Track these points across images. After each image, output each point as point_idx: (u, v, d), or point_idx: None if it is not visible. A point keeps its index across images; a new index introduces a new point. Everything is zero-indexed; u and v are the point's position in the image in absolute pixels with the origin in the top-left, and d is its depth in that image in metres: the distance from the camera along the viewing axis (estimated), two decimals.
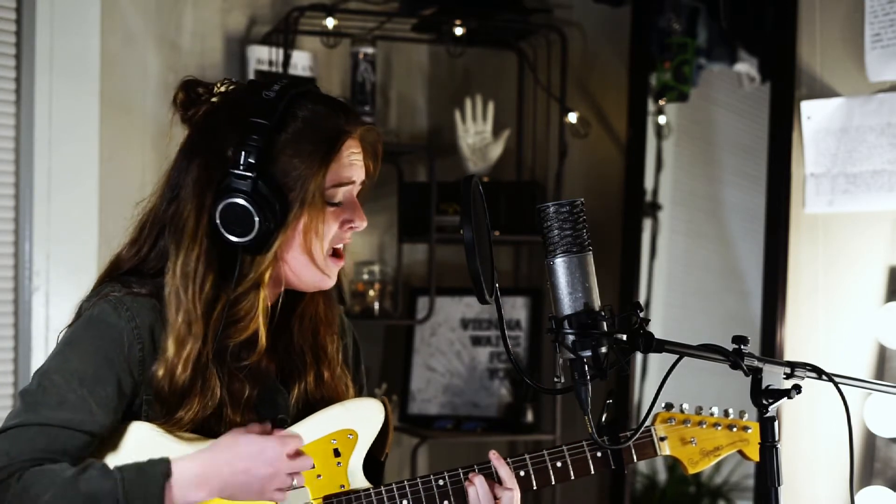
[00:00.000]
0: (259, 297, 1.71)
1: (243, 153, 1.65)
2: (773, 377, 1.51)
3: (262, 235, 1.67)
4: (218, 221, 1.67)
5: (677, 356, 1.49)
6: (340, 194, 1.73)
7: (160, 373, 1.66)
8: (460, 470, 1.80)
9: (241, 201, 1.66)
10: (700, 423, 1.91)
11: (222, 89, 1.76)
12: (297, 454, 1.71)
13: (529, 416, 3.44)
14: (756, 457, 1.92)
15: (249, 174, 1.65)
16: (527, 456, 1.84)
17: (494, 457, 1.81)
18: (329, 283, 1.77)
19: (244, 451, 1.66)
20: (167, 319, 1.68)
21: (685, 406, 1.91)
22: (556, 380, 1.48)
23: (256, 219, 1.66)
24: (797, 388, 1.51)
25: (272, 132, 1.67)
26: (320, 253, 1.72)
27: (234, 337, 1.71)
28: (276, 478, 1.67)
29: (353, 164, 1.74)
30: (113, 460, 1.68)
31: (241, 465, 1.65)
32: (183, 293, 1.66)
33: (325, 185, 1.70)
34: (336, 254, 1.77)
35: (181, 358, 1.66)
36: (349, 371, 1.89)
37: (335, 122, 1.72)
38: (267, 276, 1.71)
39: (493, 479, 1.80)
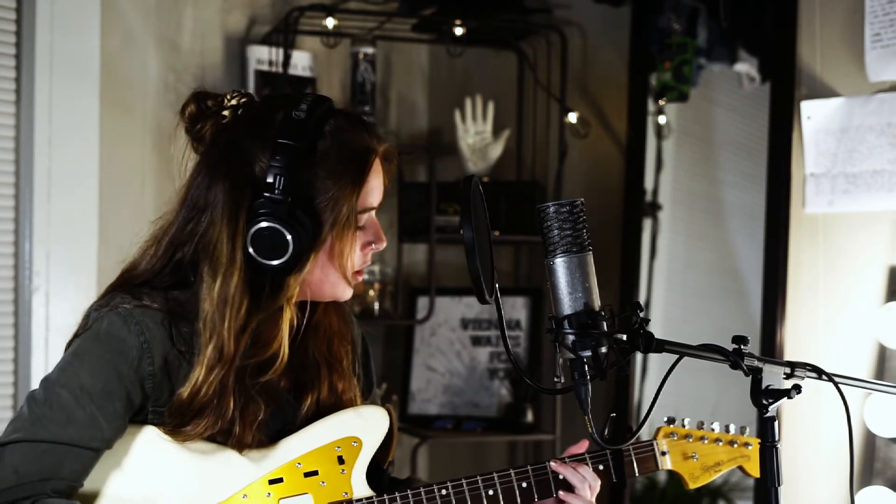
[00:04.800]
0: (285, 316, 1.70)
1: (278, 177, 1.64)
2: (773, 377, 1.51)
3: (294, 258, 1.66)
4: (251, 245, 1.65)
5: (677, 356, 1.49)
6: (364, 219, 1.73)
7: (185, 393, 1.65)
8: (463, 480, 1.80)
9: (275, 225, 1.64)
10: (702, 439, 1.91)
11: (233, 102, 1.73)
12: None
13: (529, 416, 3.44)
14: (756, 473, 1.93)
15: (284, 198, 1.64)
16: (529, 468, 1.84)
17: (557, 465, 1.85)
18: (350, 294, 1.77)
19: None
20: (194, 342, 1.66)
21: (686, 421, 1.91)
22: (556, 380, 1.48)
23: (291, 242, 1.64)
24: (797, 388, 1.51)
25: (304, 153, 1.65)
26: (351, 271, 1.72)
27: (257, 356, 1.70)
28: None
29: (376, 189, 1.73)
30: (118, 463, 1.68)
31: None
32: (219, 320, 1.64)
33: (356, 207, 1.69)
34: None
35: (208, 381, 1.65)
36: (360, 382, 1.88)
37: (362, 139, 1.71)
38: (294, 296, 1.70)
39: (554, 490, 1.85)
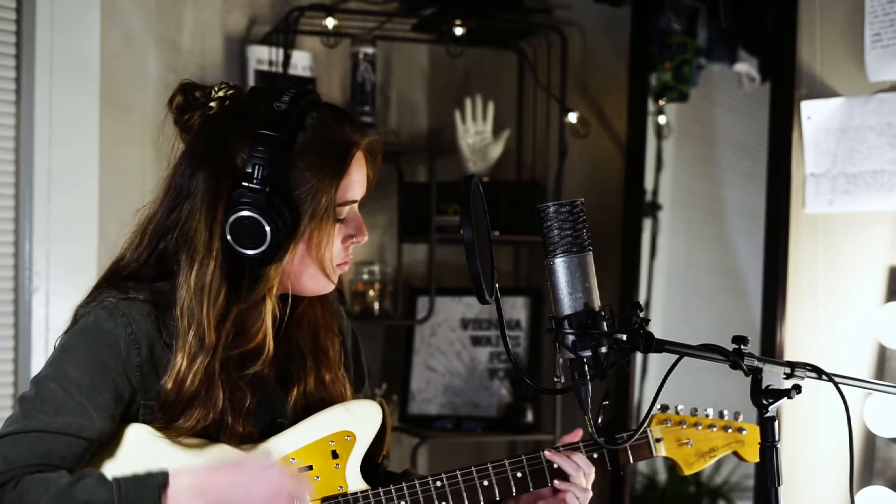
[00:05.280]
0: (267, 308, 1.71)
1: (257, 167, 1.65)
2: (773, 377, 1.51)
3: (272, 248, 1.67)
4: (229, 234, 1.67)
5: (677, 356, 1.49)
6: (345, 211, 1.74)
7: (169, 384, 1.66)
8: (458, 472, 1.80)
9: (253, 214, 1.65)
10: (695, 425, 1.92)
11: (220, 94, 1.74)
12: (300, 480, 1.70)
13: (529, 416, 3.44)
14: (751, 458, 1.93)
15: (263, 188, 1.65)
16: (523, 457, 1.84)
17: (552, 453, 1.84)
18: (331, 288, 1.78)
19: (246, 472, 1.65)
20: (177, 332, 1.67)
21: (680, 407, 1.92)
22: (556, 380, 1.48)
23: (268, 232, 1.65)
24: (797, 388, 1.51)
25: (283, 145, 1.66)
26: (330, 263, 1.72)
27: (241, 347, 1.71)
28: (278, 498, 1.65)
29: (358, 183, 1.74)
30: (111, 462, 1.68)
31: (241, 483, 1.63)
32: (197, 307, 1.66)
33: (335, 199, 1.70)
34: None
35: (192, 371, 1.65)
36: (349, 374, 1.89)
37: (343, 132, 1.72)
38: (275, 286, 1.71)
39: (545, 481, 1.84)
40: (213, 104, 1.74)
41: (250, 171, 1.65)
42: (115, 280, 1.74)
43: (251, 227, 1.65)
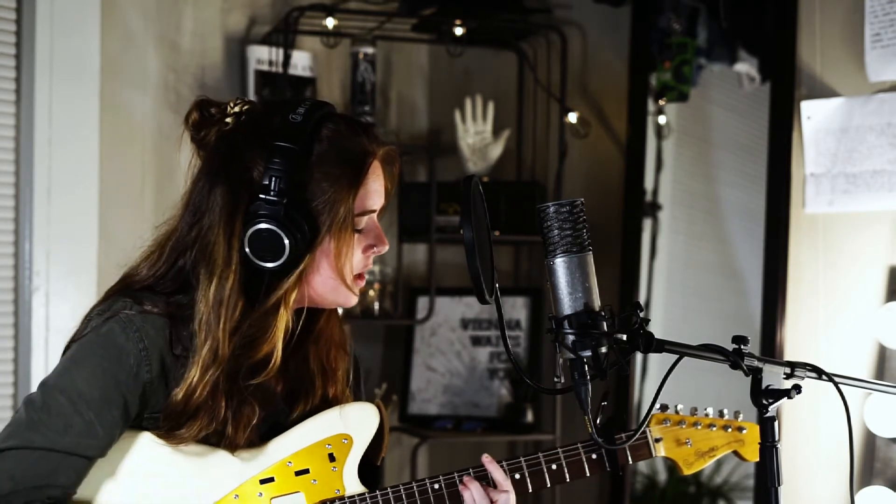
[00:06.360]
0: (280, 318, 1.70)
1: (273, 179, 1.64)
2: (773, 377, 1.51)
3: (291, 260, 1.66)
4: (248, 247, 1.66)
5: (677, 356, 1.49)
6: (364, 221, 1.73)
7: (179, 395, 1.65)
8: (455, 474, 1.80)
9: (272, 227, 1.64)
10: (695, 424, 1.92)
11: (235, 109, 1.74)
12: None
13: (529, 416, 3.44)
14: (751, 457, 1.93)
15: (280, 199, 1.64)
16: (522, 458, 1.84)
17: (487, 461, 1.81)
18: (354, 301, 1.76)
19: None
20: (192, 345, 1.66)
21: (680, 407, 1.92)
22: (556, 380, 1.48)
23: (287, 244, 1.65)
24: (797, 388, 1.51)
25: (300, 156, 1.66)
26: (350, 274, 1.71)
27: (250, 357, 1.70)
28: None
29: (376, 192, 1.73)
30: (111, 466, 1.68)
31: None
32: (214, 321, 1.65)
33: (354, 209, 1.69)
34: (358, 274, 1.77)
35: (203, 382, 1.65)
36: (351, 391, 1.89)
37: (359, 142, 1.71)
38: (291, 297, 1.70)
39: (488, 483, 1.80)
40: (228, 119, 1.74)
41: (267, 183, 1.65)
42: (129, 290, 1.72)
43: (270, 239, 1.65)
